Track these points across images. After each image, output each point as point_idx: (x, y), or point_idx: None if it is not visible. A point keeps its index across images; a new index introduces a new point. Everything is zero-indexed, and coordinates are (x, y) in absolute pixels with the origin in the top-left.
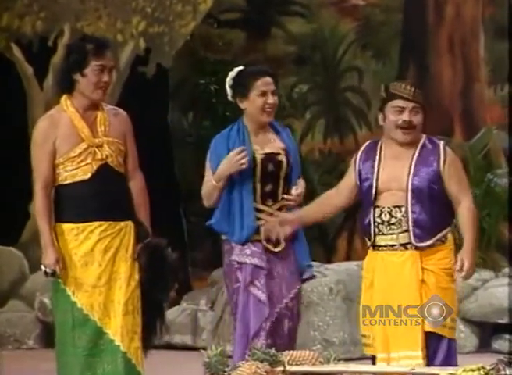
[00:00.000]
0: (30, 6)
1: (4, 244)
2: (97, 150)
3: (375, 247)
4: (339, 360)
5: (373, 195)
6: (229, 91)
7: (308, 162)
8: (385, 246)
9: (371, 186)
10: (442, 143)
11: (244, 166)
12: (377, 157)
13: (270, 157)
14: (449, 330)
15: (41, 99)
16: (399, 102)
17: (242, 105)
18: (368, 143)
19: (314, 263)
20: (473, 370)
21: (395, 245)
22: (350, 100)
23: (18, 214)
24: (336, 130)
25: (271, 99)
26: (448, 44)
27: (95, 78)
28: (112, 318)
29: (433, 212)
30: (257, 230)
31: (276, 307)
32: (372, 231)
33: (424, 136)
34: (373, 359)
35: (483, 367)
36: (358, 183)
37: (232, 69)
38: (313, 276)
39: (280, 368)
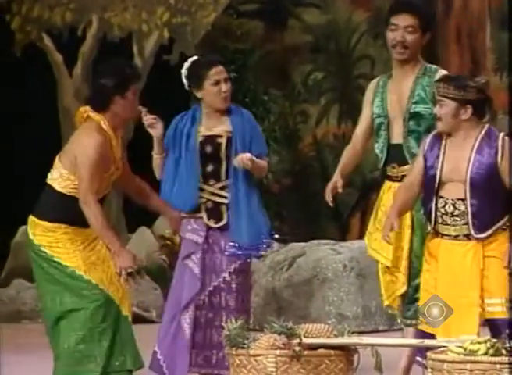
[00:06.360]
0: None
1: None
2: (115, 172)
3: (439, 234)
4: (352, 333)
5: (436, 185)
6: (184, 82)
7: (323, 145)
8: (448, 236)
9: (434, 175)
10: (501, 135)
11: (155, 128)
12: (442, 147)
13: (209, 139)
14: (507, 310)
15: (70, 86)
16: None
17: (198, 95)
18: (433, 133)
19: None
20: (480, 343)
21: (458, 236)
22: (362, 87)
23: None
24: (350, 115)
25: (224, 87)
26: (456, 33)
27: (134, 100)
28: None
29: (491, 204)
30: (199, 208)
31: (214, 281)
32: (433, 219)
33: (486, 126)
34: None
35: (490, 340)
36: (423, 170)
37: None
38: (259, 256)
39: (297, 340)
